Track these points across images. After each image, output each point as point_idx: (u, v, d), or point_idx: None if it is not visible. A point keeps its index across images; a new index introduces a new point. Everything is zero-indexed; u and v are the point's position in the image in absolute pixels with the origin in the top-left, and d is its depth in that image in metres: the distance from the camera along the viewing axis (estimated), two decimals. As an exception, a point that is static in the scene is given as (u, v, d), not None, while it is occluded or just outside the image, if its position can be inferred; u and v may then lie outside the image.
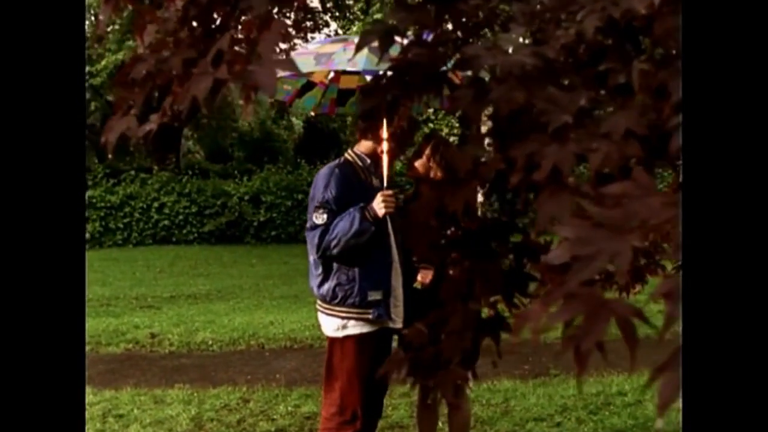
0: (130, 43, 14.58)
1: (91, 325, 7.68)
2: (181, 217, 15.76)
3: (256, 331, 7.38)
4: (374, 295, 3.40)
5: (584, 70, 0.88)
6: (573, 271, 0.71)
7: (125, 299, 9.77)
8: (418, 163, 3.54)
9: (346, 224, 3.26)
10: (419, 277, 3.45)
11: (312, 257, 3.47)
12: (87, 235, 15.35)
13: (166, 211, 15.71)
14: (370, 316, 3.39)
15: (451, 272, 1.19)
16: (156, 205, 15.69)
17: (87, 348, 6.94)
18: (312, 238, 3.32)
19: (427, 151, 3.54)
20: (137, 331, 7.46)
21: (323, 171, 3.47)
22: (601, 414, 4.84)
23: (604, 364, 6.25)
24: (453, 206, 0.98)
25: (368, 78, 3.66)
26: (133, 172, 16.29)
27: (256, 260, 13.74)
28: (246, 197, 15.96)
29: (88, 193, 15.45)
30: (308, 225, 3.37)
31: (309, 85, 3.77)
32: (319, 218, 3.32)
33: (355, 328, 3.42)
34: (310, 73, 3.62)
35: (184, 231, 15.77)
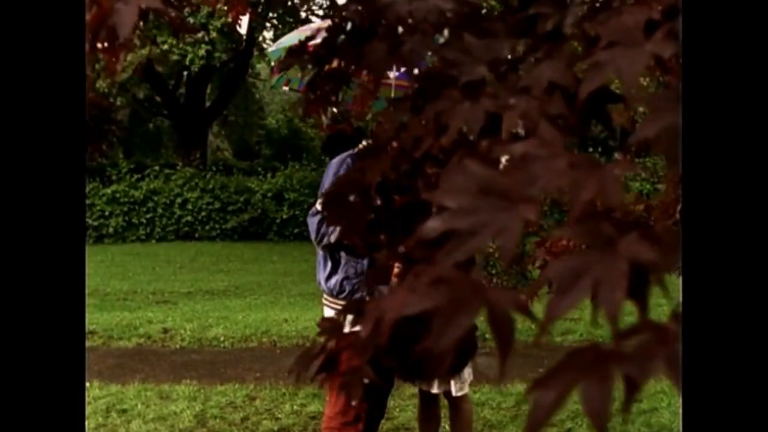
0: (156, 38, 14.60)
1: (105, 319, 7.66)
2: (204, 213, 15.76)
3: (269, 328, 7.30)
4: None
5: (511, 16, 0.76)
6: (447, 248, 0.58)
7: (142, 294, 9.75)
8: None
9: None
10: (393, 277, 3.29)
11: (321, 251, 3.39)
12: (110, 230, 15.41)
13: (189, 207, 15.72)
14: None
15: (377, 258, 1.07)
16: (179, 200, 15.70)
17: (99, 342, 6.91)
18: (312, 224, 3.24)
19: None
20: (150, 326, 7.41)
21: (335, 159, 3.40)
22: (614, 421, 4.66)
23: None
24: (370, 178, 0.86)
25: (390, 74, 3.52)
26: (157, 168, 16.32)
27: (277, 257, 13.69)
28: (269, 194, 15.92)
29: (112, 188, 15.51)
30: (312, 210, 3.28)
31: None
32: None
33: None
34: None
35: (207, 227, 15.77)
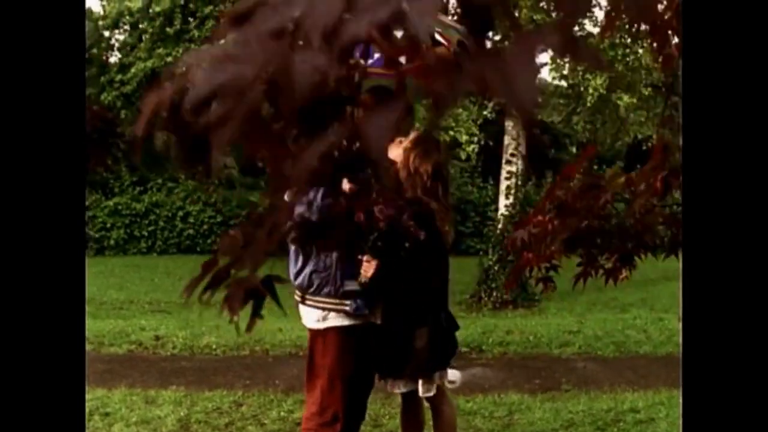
0: (161, 50, 14.62)
1: (97, 326, 7.56)
2: (205, 226, 15.69)
3: (262, 336, 7.18)
4: (351, 285, 3.20)
5: None
6: (257, 17, 0.48)
7: (138, 303, 9.66)
8: (392, 146, 3.25)
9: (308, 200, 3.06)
10: (362, 271, 3.17)
11: (291, 245, 3.28)
12: (111, 243, 15.34)
13: (191, 220, 15.65)
14: (348, 308, 3.19)
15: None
16: (181, 213, 15.64)
17: (88, 347, 6.79)
18: None
19: (408, 142, 3.26)
20: (142, 333, 7.31)
21: None
22: (609, 430, 4.53)
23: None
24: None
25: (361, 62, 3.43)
26: (160, 181, 16.28)
27: (279, 271, 13.57)
28: (271, 208, 15.84)
29: (114, 200, 15.47)
30: None
31: None
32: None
33: (336, 320, 3.23)
34: None
35: (209, 241, 15.68)
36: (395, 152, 3.26)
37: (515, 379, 5.87)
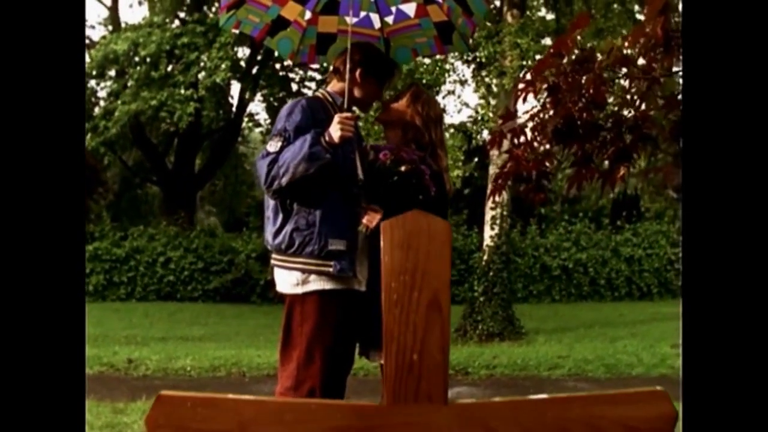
0: (146, 94, 14.57)
1: (68, 352, 7.25)
2: (186, 272, 15.36)
3: (239, 359, 6.91)
4: (336, 245, 3.00)
5: None
6: None
7: (114, 338, 9.34)
8: (394, 106, 3.28)
9: (296, 148, 2.91)
10: (364, 220, 3.01)
11: (270, 203, 3.11)
12: (90, 288, 14.98)
13: (172, 266, 15.33)
14: (331, 270, 2.98)
15: None
16: (162, 259, 15.33)
17: (57, 369, 6.50)
18: (261, 167, 2.97)
19: (408, 97, 3.28)
20: (114, 357, 7.02)
21: (290, 102, 3.19)
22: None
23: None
24: None
25: (348, 20, 3.31)
26: (141, 227, 16.04)
27: (260, 315, 13.27)
28: (253, 254, 15.56)
29: (95, 244, 15.17)
30: (262, 152, 3.02)
31: (281, 23, 3.36)
32: (273, 146, 2.97)
33: (317, 283, 3.01)
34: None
35: (189, 287, 15.34)
36: (397, 107, 3.29)
37: (500, 395, 5.63)
